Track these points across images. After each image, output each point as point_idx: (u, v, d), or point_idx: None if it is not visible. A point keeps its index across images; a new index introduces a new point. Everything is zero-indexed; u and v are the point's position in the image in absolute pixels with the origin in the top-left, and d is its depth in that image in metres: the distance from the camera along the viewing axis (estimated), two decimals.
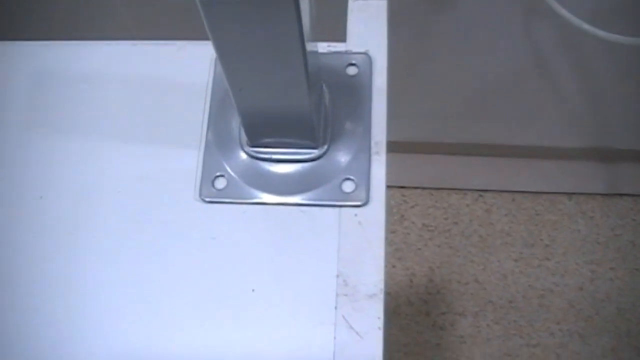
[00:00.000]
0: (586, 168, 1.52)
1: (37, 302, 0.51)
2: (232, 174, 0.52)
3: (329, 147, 0.52)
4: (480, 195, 1.54)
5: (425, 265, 1.48)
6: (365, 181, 0.51)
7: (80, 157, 0.55)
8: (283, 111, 0.47)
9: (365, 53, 0.55)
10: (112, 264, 0.51)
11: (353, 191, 0.51)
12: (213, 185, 0.52)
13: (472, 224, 1.52)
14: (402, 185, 1.53)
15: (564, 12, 0.98)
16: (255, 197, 0.52)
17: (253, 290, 0.50)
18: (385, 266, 0.49)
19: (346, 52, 0.55)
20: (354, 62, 0.54)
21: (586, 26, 0.98)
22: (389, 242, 1.44)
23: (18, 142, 0.56)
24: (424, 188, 1.54)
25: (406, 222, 1.51)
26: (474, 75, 1.28)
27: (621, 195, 1.53)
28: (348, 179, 0.51)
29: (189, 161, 0.53)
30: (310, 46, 0.43)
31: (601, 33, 0.97)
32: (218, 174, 0.52)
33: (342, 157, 0.52)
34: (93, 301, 0.51)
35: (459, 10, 1.11)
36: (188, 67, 0.57)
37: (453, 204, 1.53)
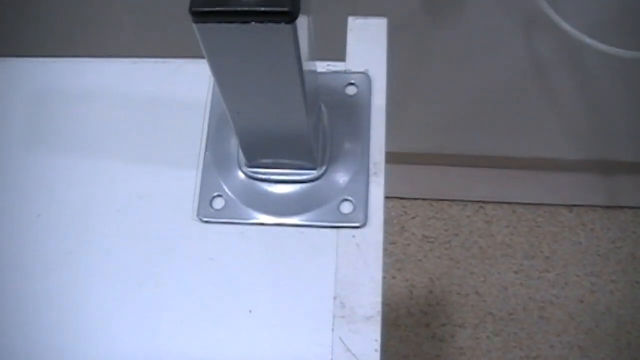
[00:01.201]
0: (587, 180, 1.52)
1: (32, 319, 0.51)
2: (231, 194, 0.52)
3: (327, 168, 0.52)
4: (481, 207, 1.54)
5: (426, 276, 1.48)
6: (363, 203, 0.51)
7: (78, 176, 0.55)
8: (281, 133, 0.47)
9: (364, 73, 0.55)
10: (109, 284, 0.51)
11: (351, 212, 0.51)
12: (211, 206, 0.52)
13: (472, 236, 1.52)
14: (402, 196, 1.53)
15: (565, 25, 0.98)
16: (254, 218, 0.51)
17: (250, 311, 0.49)
18: (383, 288, 0.49)
19: (345, 72, 0.55)
20: (353, 81, 0.54)
21: (588, 40, 0.98)
22: (388, 254, 1.44)
23: (16, 159, 0.56)
24: (424, 199, 1.54)
25: (406, 233, 1.51)
26: (475, 87, 1.28)
27: (622, 207, 1.53)
28: (346, 200, 0.51)
29: (187, 181, 0.53)
30: (309, 66, 0.43)
31: (602, 47, 0.97)
32: (216, 194, 0.52)
33: (341, 178, 0.52)
34: (89, 320, 0.51)
35: (459, 22, 1.11)
36: (187, 85, 0.57)
37: (454, 215, 1.53)
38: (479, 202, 1.54)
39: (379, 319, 0.48)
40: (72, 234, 0.53)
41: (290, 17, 0.35)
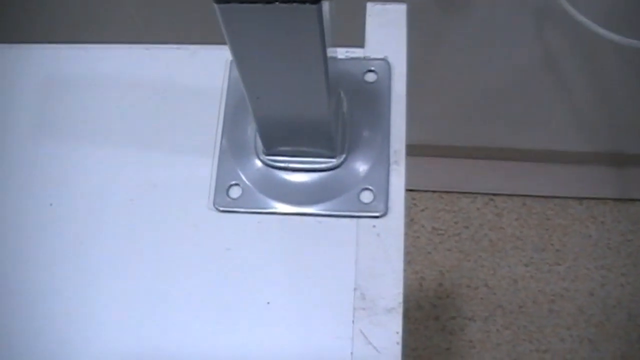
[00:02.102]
0: (598, 173, 1.50)
1: (43, 309, 0.50)
2: (247, 182, 0.51)
3: (346, 156, 0.50)
4: (491, 199, 1.53)
5: (435, 269, 1.47)
6: (384, 191, 0.50)
7: (91, 164, 0.54)
8: (301, 119, 0.46)
9: (384, 59, 0.53)
10: (123, 274, 0.50)
11: (371, 202, 0.50)
12: (227, 194, 0.51)
13: (482, 228, 1.50)
14: (412, 188, 1.52)
15: (578, 15, 0.96)
16: (271, 207, 0.50)
17: (268, 302, 0.48)
18: (405, 279, 0.48)
19: (364, 58, 0.54)
20: (372, 68, 0.53)
21: (601, 30, 0.96)
22: None
23: (27, 147, 0.55)
24: (434, 191, 1.53)
25: (416, 225, 1.50)
26: (486, 78, 1.26)
27: (633, 200, 1.52)
28: (366, 189, 0.50)
29: (203, 169, 0.52)
30: (329, 52, 0.42)
31: (616, 37, 0.96)
32: (233, 182, 0.51)
33: (360, 167, 0.50)
34: (101, 310, 0.50)
35: (471, 13, 1.10)
36: (202, 71, 0.55)
37: (463, 207, 1.52)
38: (488, 194, 1.53)
39: (400, 310, 0.47)
40: (84, 224, 0.52)
41: None
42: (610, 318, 1.43)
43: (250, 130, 0.52)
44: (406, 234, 0.50)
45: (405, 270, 0.48)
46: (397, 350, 0.46)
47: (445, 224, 1.51)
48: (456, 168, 1.52)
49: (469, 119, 1.39)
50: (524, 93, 1.30)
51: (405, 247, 0.49)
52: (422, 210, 1.51)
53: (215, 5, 0.35)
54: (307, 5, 0.35)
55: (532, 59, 1.20)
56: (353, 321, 0.47)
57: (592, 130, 1.41)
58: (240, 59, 0.40)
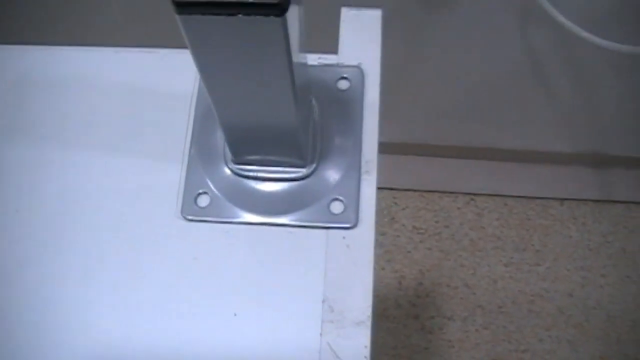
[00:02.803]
0: (579, 174, 1.51)
1: (10, 317, 0.49)
2: (216, 191, 0.50)
3: (317, 165, 0.49)
4: (472, 199, 1.52)
5: (415, 268, 1.47)
6: (354, 202, 0.49)
7: (57, 169, 0.52)
8: (269, 129, 0.45)
9: (357, 66, 0.52)
10: (88, 282, 0.49)
11: (341, 212, 0.49)
12: (195, 203, 0.50)
13: (462, 228, 1.50)
14: (392, 187, 1.51)
15: (560, 17, 0.96)
16: (240, 217, 0.49)
17: (235, 314, 0.47)
18: (374, 292, 0.47)
19: (337, 65, 0.53)
20: (345, 75, 0.52)
21: (584, 33, 0.96)
22: (378, 244, 1.42)
23: None
24: (415, 190, 1.53)
25: (396, 224, 1.49)
26: (468, 78, 1.26)
27: (613, 201, 1.52)
28: (337, 199, 0.49)
29: (171, 176, 0.51)
30: (299, 58, 0.41)
31: (597, 40, 0.96)
32: (201, 191, 0.50)
33: (331, 176, 0.49)
34: (67, 319, 0.49)
35: (454, 12, 1.09)
36: (172, 76, 0.54)
37: (444, 206, 1.52)
38: (469, 194, 1.53)
39: (369, 324, 0.46)
40: (51, 230, 0.51)
41: (279, 9, 0.33)
42: (589, 319, 1.43)
43: (220, 138, 0.51)
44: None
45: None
46: None
47: (425, 223, 1.51)
48: (437, 167, 1.51)
49: (450, 118, 1.38)
50: (506, 93, 1.29)
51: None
52: (403, 209, 1.51)
53: (177, 16, 0.34)
54: (272, 18, 0.34)
55: (515, 60, 1.19)
56: (321, 334, 0.46)
57: (574, 132, 1.41)
58: (203, 68, 0.39)
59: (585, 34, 0.96)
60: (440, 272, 1.47)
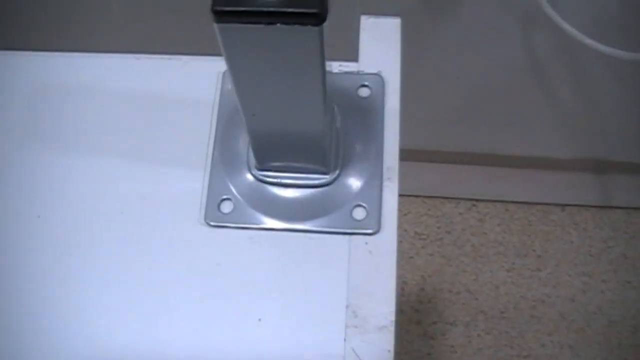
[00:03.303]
0: (580, 179, 1.51)
1: (31, 323, 0.49)
2: (239, 197, 0.50)
3: (339, 172, 0.50)
4: (474, 205, 1.53)
5: (417, 273, 1.47)
6: (376, 208, 0.49)
7: (80, 176, 0.53)
8: (296, 136, 0.45)
9: (377, 74, 0.53)
10: (111, 289, 0.50)
11: (364, 219, 0.49)
12: (219, 209, 0.50)
13: (464, 233, 1.51)
14: None
15: (563, 24, 0.96)
16: (263, 223, 0.50)
17: (259, 319, 0.48)
18: (397, 297, 0.48)
19: (358, 73, 0.53)
20: (366, 83, 0.53)
21: (586, 39, 0.97)
22: None
23: (15, 157, 0.54)
24: (417, 196, 1.53)
25: (398, 230, 1.49)
26: (470, 84, 1.26)
27: (614, 207, 1.53)
28: (359, 205, 0.49)
29: (194, 182, 0.51)
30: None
31: (601, 47, 0.96)
32: (224, 197, 0.50)
33: (353, 183, 0.50)
34: (89, 326, 0.49)
35: (456, 18, 1.09)
36: (193, 83, 0.55)
37: (446, 212, 1.52)
38: (471, 199, 1.53)
39: (392, 329, 0.47)
40: (73, 237, 0.51)
41: (318, 19, 0.34)
42: (590, 324, 1.43)
43: (243, 144, 0.51)
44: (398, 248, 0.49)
45: (397, 287, 0.48)
46: None
47: (427, 228, 1.51)
48: (439, 173, 1.52)
49: (452, 124, 1.38)
50: (508, 99, 1.30)
51: (398, 263, 0.49)
52: (405, 215, 1.51)
53: (215, 25, 0.35)
54: (309, 27, 0.34)
55: (517, 66, 1.20)
56: (345, 339, 0.47)
57: (575, 137, 1.41)
58: (238, 77, 0.39)
59: (587, 41, 0.97)
60: (442, 278, 1.47)
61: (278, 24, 0.34)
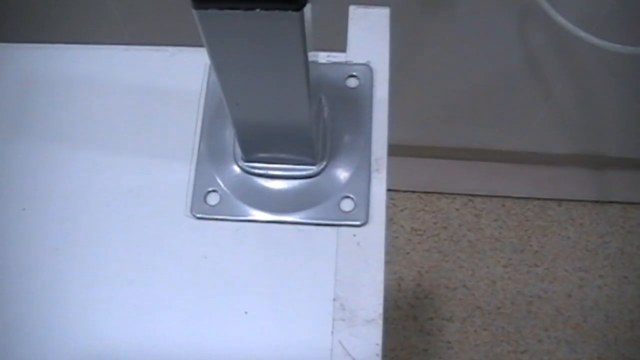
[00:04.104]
0: (577, 175, 1.51)
1: (17, 317, 0.49)
2: (225, 189, 0.50)
3: (327, 163, 0.49)
4: (470, 200, 1.52)
5: (414, 269, 1.47)
6: (364, 200, 0.49)
7: (65, 167, 0.52)
8: (281, 126, 0.45)
9: (366, 64, 0.52)
10: (96, 281, 0.49)
11: (352, 210, 0.49)
12: (205, 201, 0.50)
13: (461, 229, 1.50)
14: (391, 188, 1.50)
15: (559, 18, 0.96)
16: (250, 215, 0.49)
17: (246, 312, 0.47)
18: (385, 289, 0.47)
19: (346, 63, 0.53)
20: (354, 73, 0.52)
21: (583, 34, 0.96)
22: None
23: (0, 149, 0.53)
24: (413, 191, 1.53)
25: (395, 225, 1.49)
26: (466, 79, 1.26)
27: (611, 202, 1.52)
28: (347, 197, 0.49)
29: (180, 174, 0.51)
30: (310, 56, 0.41)
31: (597, 41, 0.96)
32: (210, 189, 0.50)
33: (341, 174, 0.49)
34: (75, 319, 0.48)
35: (452, 13, 1.09)
36: (180, 74, 0.54)
37: (442, 208, 1.52)
38: (468, 195, 1.53)
39: (380, 322, 0.46)
40: (59, 229, 0.51)
41: (298, 4, 0.33)
42: (587, 319, 1.43)
43: (229, 136, 0.50)
44: (386, 240, 0.49)
45: (385, 280, 0.47)
46: None
47: (424, 224, 1.51)
48: (435, 168, 1.51)
49: (449, 119, 1.38)
50: (505, 94, 1.30)
51: (386, 255, 0.48)
52: (401, 211, 1.51)
53: (194, 11, 0.34)
54: (290, 13, 0.34)
55: (514, 61, 1.19)
56: (332, 332, 0.46)
57: (572, 133, 1.41)
58: (218, 64, 0.39)
59: (584, 35, 0.96)
60: (439, 274, 1.47)
61: (257, 9, 0.33)
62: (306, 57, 0.38)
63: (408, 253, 1.48)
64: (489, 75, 1.24)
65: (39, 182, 0.52)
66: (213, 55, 0.38)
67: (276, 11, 0.33)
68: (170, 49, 0.55)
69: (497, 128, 1.40)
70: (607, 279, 1.46)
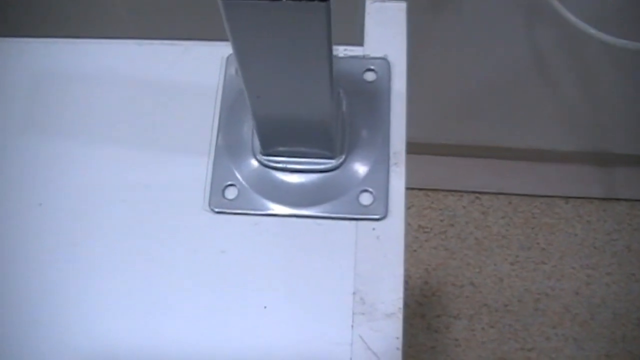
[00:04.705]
0: (584, 172, 1.50)
1: (34, 312, 0.48)
2: (244, 183, 0.50)
3: (346, 157, 0.49)
4: (477, 197, 1.52)
5: (421, 267, 1.46)
6: (383, 194, 0.49)
7: (82, 163, 0.52)
8: (302, 119, 0.45)
9: (383, 58, 0.52)
10: (114, 277, 0.49)
11: (371, 204, 0.48)
12: (223, 195, 0.49)
13: (468, 226, 1.50)
14: None
15: (568, 14, 0.96)
16: (268, 209, 0.49)
17: (265, 307, 0.47)
18: (405, 283, 0.47)
19: (364, 57, 0.52)
20: (372, 67, 0.52)
21: (591, 30, 0.96)
22: None
23: (16, 145, 0.53)
24: (420, 189, 1.52)
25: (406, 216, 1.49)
26: (473, 76, 1.26)
27: (618, 199, 1.52)
28: (366, 190, 0.49)
29: (198, 169, 0.51)
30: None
31: (606, 37, 0.95)
32: (229, 183, 0.50)
33: (360, 168, 0.49)
34: (93, 314, 0.48)
35: (459, 10, 1.09)
36: (196, 68, 0.54)
37: (449, 205, 1.52)
38: (474, 192, 1.52)
39: (400, 315, 0.46)
40: (76, 224, 0.50)
41: None
42: (595, 317, 1.43)
43: (247, 129, 0.50)
44: (405, 234, 0.49)
45: (405, 274, 0.47)
46: (397, 356, 0.45)
47: (431, 222, 1.50)
48: (442, 166, 1.51)
49: (455, 116, 1.38)
50: (512, 91, 1.29)
51: (406, 249, 0.48)
52: (408, 208, 1.51)
53: (220, 2, 0.34)
54: (317, 3, 0.33)
55: (521, 58, 1.19)
56: (352, 326, 0.46)
57: (579, 130, 1.41)
58: (242, 56, 0.38)
59: (592, 31, 0.96)
60: (446, 271, 1.46)
61: (284, 0, 0.33)
62: (331, 49, 0.37)
63: (415, 251, 1.48)
64: (495, 72, 1.24)
65: (55, 178, 0.52)
66: (237, 47, 0.38)
67: (303, 1, 0.33)
68: (185, 43, 0.55)
69: (504, 125, 1.40)
70: (614, 277, 1.46)
